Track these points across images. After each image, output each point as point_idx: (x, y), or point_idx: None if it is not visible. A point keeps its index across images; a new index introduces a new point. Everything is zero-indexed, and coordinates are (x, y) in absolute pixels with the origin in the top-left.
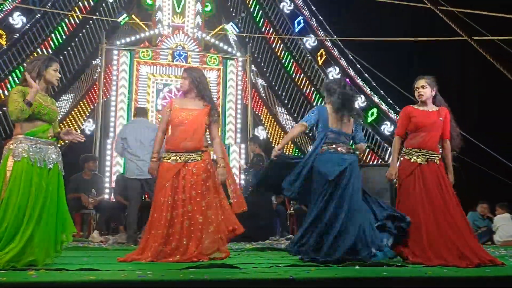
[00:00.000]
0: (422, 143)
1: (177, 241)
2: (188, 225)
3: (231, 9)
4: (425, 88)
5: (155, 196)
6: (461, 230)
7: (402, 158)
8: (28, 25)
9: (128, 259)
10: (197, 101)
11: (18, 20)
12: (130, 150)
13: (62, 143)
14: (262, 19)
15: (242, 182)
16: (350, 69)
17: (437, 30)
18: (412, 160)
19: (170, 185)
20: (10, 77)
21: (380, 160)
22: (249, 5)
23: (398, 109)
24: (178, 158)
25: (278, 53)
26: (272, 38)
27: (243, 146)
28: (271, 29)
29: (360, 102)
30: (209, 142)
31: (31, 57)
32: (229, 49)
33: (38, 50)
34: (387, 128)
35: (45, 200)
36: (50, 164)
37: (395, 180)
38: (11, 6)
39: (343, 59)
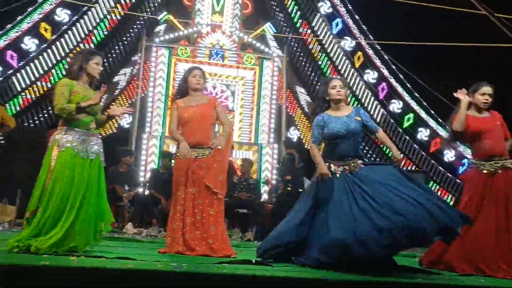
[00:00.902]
0: (490, 150)
1: (189, 233)
2: (200, 218)
3: (269, 9)
4: (491, 97)
5: (173, 191)
6: None
7: (470, 169)
8: (72, 20)
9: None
10: (201, 96)
11: (63, 15)
12: None
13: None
14: (300, 20)
15: (274, 182)
16: (387, 72)
17: (477, 34)
18: (485, 171)
19: (184, 180)
20: (53, 71)
21: (414, 166)
22: (287, 6)
23: (435, 114)
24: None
25: (315, 55)
26: (309, 39)
27: (275, 146)
28: (309, 30)
29: (396, 107)
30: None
31: (74, 51)
32: (266, 49)
33: (81, 45)
34: (423, 134)
35: (86, 190)
36: (93, 155)
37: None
38: (57, 1)
39: (380, 62)
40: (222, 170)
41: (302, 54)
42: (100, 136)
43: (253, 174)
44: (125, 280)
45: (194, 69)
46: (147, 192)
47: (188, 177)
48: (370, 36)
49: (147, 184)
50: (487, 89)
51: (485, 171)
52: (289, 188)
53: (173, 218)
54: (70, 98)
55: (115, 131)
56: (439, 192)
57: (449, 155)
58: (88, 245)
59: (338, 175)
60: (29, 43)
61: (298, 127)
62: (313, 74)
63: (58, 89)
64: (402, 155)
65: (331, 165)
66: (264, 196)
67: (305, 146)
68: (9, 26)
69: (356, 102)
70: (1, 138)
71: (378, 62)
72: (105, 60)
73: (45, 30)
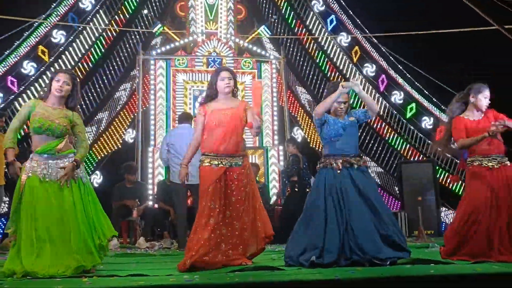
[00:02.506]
0: (487, 150)
1: (216, 245)
2: (226, 231)
3: (263, 12)
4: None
5: (200, 201)
6: None
7: (470, 166)
8: (68, 41)
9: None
10: (232, 99)
11: (59, 36)
12: (178, 155)
13: (105, 153)
14: (294, 20)
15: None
16: (386, 64)
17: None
18: (483, 165)
19: (213, 190)
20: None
21: (421, 155)
22: (281, 7)
23: (438, 102)
24: (219, 162)
25: (312, 53)
26: (305, 39)
27: (281, 148)
28: (304, 29)
29: (398, 97)
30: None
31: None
32: (263, 52)
33: (79, 64)
34: (427, 122)
35: (66, 211)
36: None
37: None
38: (52, 24)
39: (378, 55)
40: (252, 178)
41: (299, 54)
42: (72, 156)
43: (260, 178)
44: None
45: (221, 70)
46: (156, 205)
47: (220, 188)
48: (366, 29)
49: (156, 197)
50: (488, 92)
51: (484, 165)
52: (296, 189)
53: (200, 229)
54: (33, 119)
55: (120, 147)
56: (449, 179)
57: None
58: (93, 262)
59: (338, 171)
60: (28, 67)
61: (302, 127)
62: (312, 73)
63: (20, 109)
64: (408, 145)
65: (332, 161)
66: (274, 199)
67: (310, 145)
68: (7, 52)
69: (357, 97)
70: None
71: (375, 55)
72: (104, 77)
73: (43, 52)
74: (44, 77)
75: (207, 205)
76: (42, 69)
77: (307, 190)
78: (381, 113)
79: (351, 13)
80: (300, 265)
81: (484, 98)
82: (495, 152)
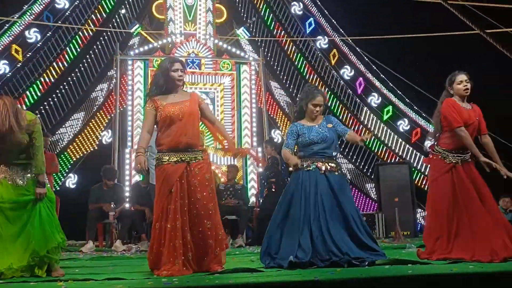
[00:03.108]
0: (460, 143)
1: (189, 251)
2: (197, 232)
3: (242, 14)
4: (469, 83)
5: (157, 203)
6: (501, 224)
7: (435, 158)
8: (43, 40)
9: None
10: (183, 92)
11: (33, 35)
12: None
13: (81, 154)
14: (273, 22)
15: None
16: (363, 67)
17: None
18: (447, 161)
19: (176, 190)
20: (28, 92)
21: (398, 158)
22: (260, 9)
23: (414, 105)
24: (179, 158)
25: (291, 55)
26: (284, 41)
27: (259, 149)
28: (283, 31)
29: (374, 100)
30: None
31: (48, 71)
32: (242, 54)
33: (54, 64)
34: (403, 125)
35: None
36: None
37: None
38: (26, 23)
39: (355, 58)
40: (212, 176)
41: (278, 56)
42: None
43: (239, 180)
44: None
45: (175, 61)
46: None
47: (178, 187)
48: (343, 33)
49: (132, 199)
50: (462, 76)
51: (447, 161)
52: (273, 190)
53: (166, 235)
54: None
55: (96, 148)
56: (424, 181)
57: (430, 144)
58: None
59: (308, 169)
60: (1, 67)
61: (280, 129)
62: (290, 75)
63: None
64: (385, 147)
65: (303, 162)
66: (252, 200)
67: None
68: None
69: (335, 99)
70: None
71: (353, 57)
72: (80, 77)
73: (16, 51)
74: (18, 76)
75: (173, 208)
76: (15, 68)
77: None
78: (358, 115)
79: (329, 16)
80: (278, 266)
81: (459, 83)
82: (464, 148)
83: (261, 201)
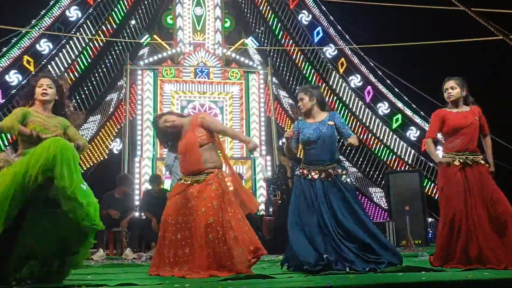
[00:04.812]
0: (463, 145)
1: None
2: (186, 250)
3: (250, 24)
4: (454, 89)
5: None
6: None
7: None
8: (54, 51)
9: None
10: (181, 118)
11: (44, 46)
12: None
13: (91, 163)
14: (281, 32)
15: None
16: (372, 75)
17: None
18: (456, 163)
19: (175, 204)
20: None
21: (406, 166)
22: (268, 19)
23: (423, 113)
24: (184, 180)
25: (299, 64)
26: (292, 50)
27: (268, 158)
28: (291, 41)
29: (383, 108)
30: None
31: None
32: (250, 63)
33: (65, 74)
34: (412, 133)
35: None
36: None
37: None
38: (38, 34)
39: (364, 67)
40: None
41: (286, 65)
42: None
43: (248, 189)
44: None
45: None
46: (142, 214)
47: (184, 203)
48: (350, 41)
49: (142, 206)
50: (447, 84)
51: (456, 163)
52: (286, 199)
53: (172, 243)
54: (29, 126)
55: (106, 157)
56: (434, 190)
57: (441, 153)
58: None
59: (314, 178)
60: (13, 77)
61: None
62: (298, 83)
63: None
64: (393, 155)
65: (305, 170)
66: (261, 208)
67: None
68: None
69: (344, 108)
70: None
71: (362, 66)
72: (90, 87)
73: (28, 62)
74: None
75: (165, 220)
76: (27, 79)
77: None
78: (367, 124)
79: (337, 25)
80: (304, 271)
81: (444, 91)
82: (469, 149)
83: (271, 210)
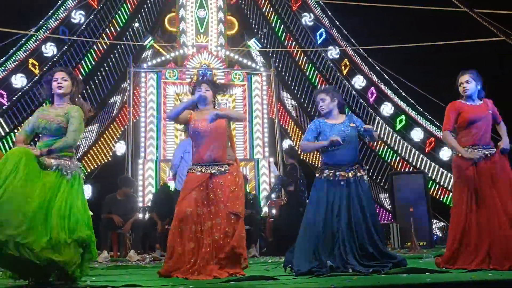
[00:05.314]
0: (477, 139)
1: (204, 255)
2: (218, 238)
3: (253, 25)
4: (470, 83)
5: (177, 206)
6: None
7: (455, 157)
8: (59, 54)
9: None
10: (211, 107)
11: (49, 49)
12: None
13: (95, 165)
14: (284, 33)
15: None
16: (375, 76)
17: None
18: (467, 158)
19: (196, 196)
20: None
21: (411, 167)
22: (271, 20)
23: (427, 114)
24: (203, 169)
25: (302, 66)
26: (295, 51)
27: (271, 160)
28: (294, 42)
29: (387, 109)
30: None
31: None
32: (253, 65)
33: None
34: (417, 134)
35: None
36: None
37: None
38: (43, 37)
39: (367, 68)
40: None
41: (289, 67)
42: (67, 158)
43: (251, 189)
44: None
45: (202, 83)
46: (147, 216)
47: (205, 195)
48: (354, 42)
49: (148, 207)
50: (462, 78)
51: (468, 158)
52: (290, 200)
53: (183, 239)
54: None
55: (110, 159)
56: (439, 191)
57: (445, 154)
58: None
59: (342, 178)
60: (18, 80)
61: (292, 139)
62: (302, 85)
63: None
64: (397, 157)
65: (331, 172)
66: (265, 210)
67: (300, 157)
68: None
69: (347, 109)
70: None
71: (365, 67)
72: (94, 90)
73: (33, 65)
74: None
75: (191, 212)
76: (32, 82)
77: (300, 201)
78: (371, 125)
79: (340, 26)
80: (310, 273)
81: (459, 85)
82: (482, 142)
83: (273, 211)
